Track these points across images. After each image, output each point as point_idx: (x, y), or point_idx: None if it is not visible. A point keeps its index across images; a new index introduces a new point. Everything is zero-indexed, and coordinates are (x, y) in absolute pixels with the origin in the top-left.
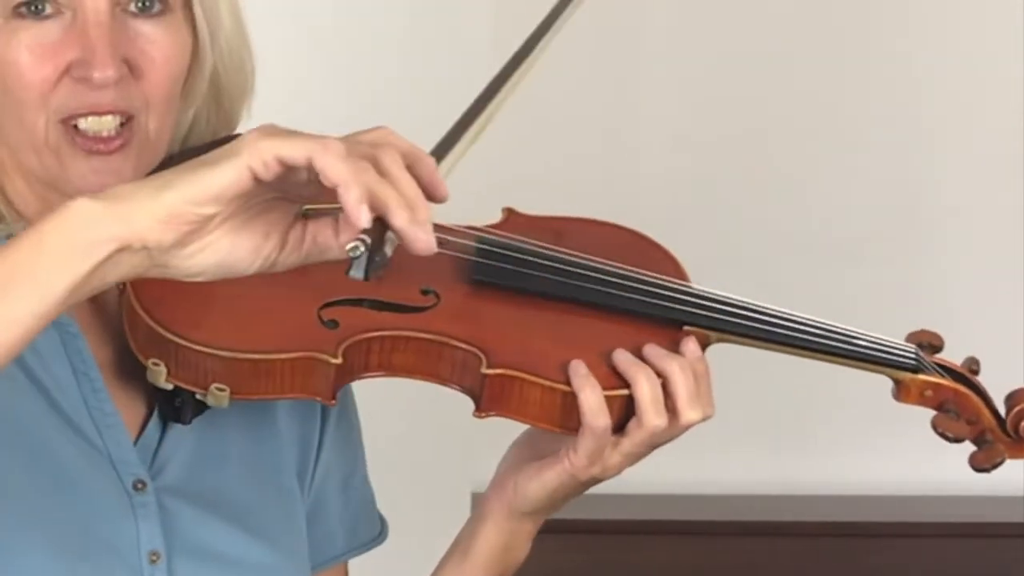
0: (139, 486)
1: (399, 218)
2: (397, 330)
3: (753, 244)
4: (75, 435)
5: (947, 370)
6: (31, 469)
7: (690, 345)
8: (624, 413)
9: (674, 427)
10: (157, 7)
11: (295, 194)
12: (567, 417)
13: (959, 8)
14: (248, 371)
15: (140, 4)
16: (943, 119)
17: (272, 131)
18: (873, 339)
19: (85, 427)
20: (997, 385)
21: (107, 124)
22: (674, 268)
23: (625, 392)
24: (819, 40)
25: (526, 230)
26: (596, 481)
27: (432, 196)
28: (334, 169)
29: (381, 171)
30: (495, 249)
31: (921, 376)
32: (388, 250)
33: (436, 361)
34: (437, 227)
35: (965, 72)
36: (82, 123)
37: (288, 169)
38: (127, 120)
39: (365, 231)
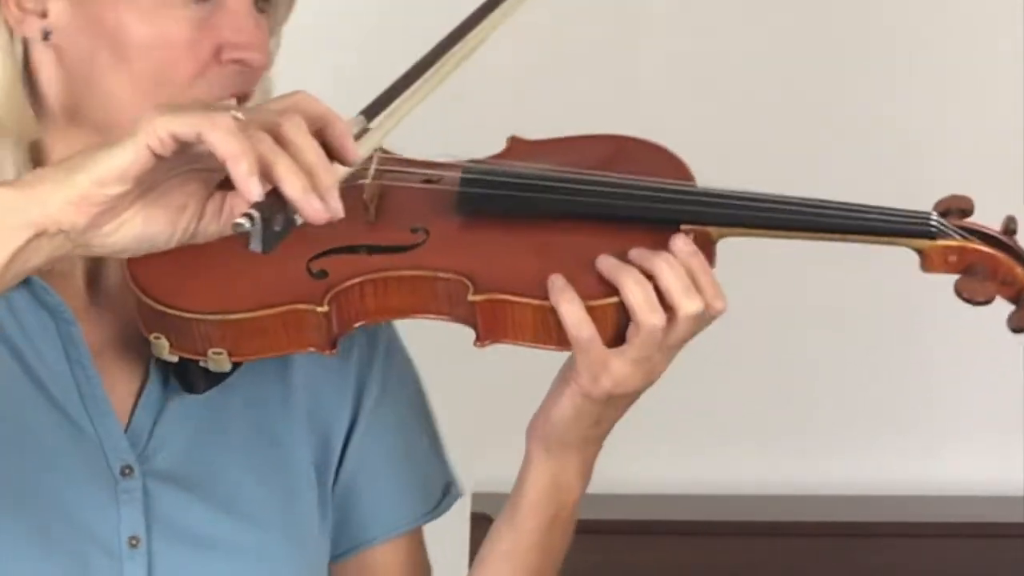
0: (127, 472)
1: (290, 187)
2: (385, 271)
3: (753, 244)
4: (65, 421)
5: (975, 233)
6: (16, 453)
7: (678, 241)
8: (620, 320)
9: (676, 324)
10: (269, 4)
11: (207, 165)
12: (563, 334)
13: (959, 8)
14: (240, 330)
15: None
16: (943, 119)
17: (166, 108)
18: (885, 209)
19: (76, 414)
20: (996, 387)
21: (233, 106)
22: (676, 169)
23: (615, 299)
24: (820, 40)
25: (525, 155)
26: (623, 397)
27: (342, 160)
28: (221, 144)
29: (282, 139)
30: (478, 176)
31: (940, 242)
32: (298, 219)
33: (428, 297)
34: (425, 163)
35: (965, 72)
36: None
37: (186, 144)
38: (239, 102)
39: (260, 204)
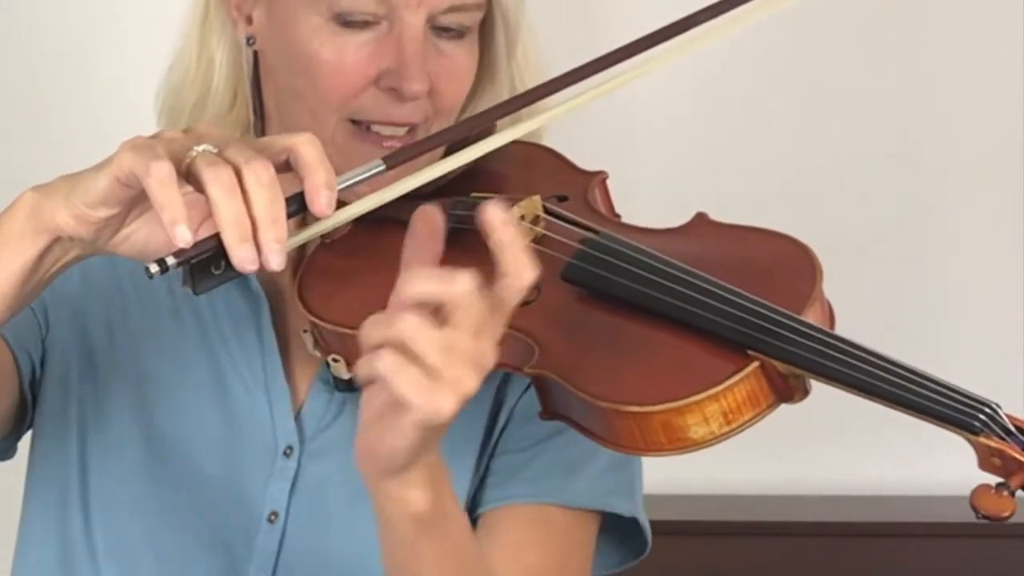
0: (288, 452)
1: (224, 235)
2: None
3: None
4: (247, 396)
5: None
6: (212, 411)
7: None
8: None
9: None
10: (461, 30)
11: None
12: (618, 434)
13: (959, 9)
14: (353, 341)
15: (448, 28)
16: (943, 120)
17: (135, 144)
18: (946, 390)
19: (256, 391)
20: (996, 388)
21: (397, 132)
22: (799, 297)
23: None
24: (820, 40)
25: (696, 236)
26: None
27: (311, 210)
28: (152, 192)
29: (241, 184)
30: (591, 252)
31: (983, 439)
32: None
33: (505, 351)
34: (589, 227)
35: (965, 72)
36: (374, 127)
37: None
38: (410, 129)
39: (200, 244)
